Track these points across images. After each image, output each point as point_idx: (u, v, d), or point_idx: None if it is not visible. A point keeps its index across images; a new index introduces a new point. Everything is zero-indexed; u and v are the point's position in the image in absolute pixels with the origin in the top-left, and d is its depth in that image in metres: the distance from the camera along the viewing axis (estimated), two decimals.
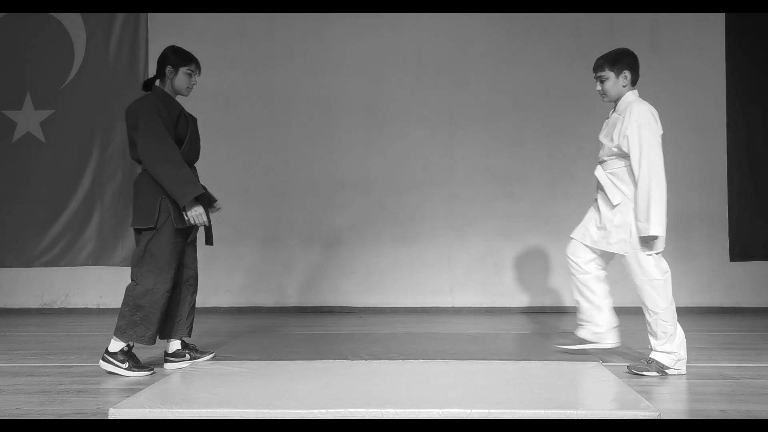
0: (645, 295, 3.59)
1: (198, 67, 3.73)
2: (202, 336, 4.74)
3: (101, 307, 6.28)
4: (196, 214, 3.51)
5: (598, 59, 3.68)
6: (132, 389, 3.19)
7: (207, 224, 3.64)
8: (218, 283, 6.15)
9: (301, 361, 3.75)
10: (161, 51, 3.75)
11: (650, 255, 3.51)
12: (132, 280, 3.57)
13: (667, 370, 3.48)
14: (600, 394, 3.05)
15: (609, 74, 3.64)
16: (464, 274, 6.17)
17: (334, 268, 6.19)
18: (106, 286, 6.28)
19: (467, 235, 6.17)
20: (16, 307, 6.28)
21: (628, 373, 3.50)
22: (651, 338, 3.57)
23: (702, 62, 6.08)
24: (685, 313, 5.87)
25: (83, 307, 6.30)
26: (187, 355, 3.73)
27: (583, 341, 3.71)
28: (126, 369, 3.51)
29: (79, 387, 3.28)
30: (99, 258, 6.28)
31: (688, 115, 6.07)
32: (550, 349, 4.06)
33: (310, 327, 4.78)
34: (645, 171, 3.43)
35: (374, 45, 6.19)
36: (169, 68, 3.66)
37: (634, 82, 3.68)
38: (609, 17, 6.02)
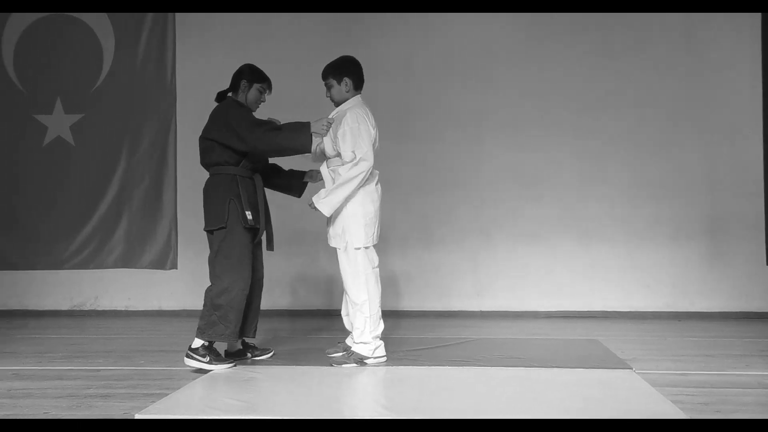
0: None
1: (270, 86, 3.97)
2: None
3: (129, 309, 6.32)
4: (321, 124, 3.67)
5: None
6: (159, 394, 3.19)
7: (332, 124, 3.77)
8: None
9: (326, 367, 3.72)
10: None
11: (358, 249, 3.76)
12: (210, 281, 3.74)
13: (366, 361, 3.75)
14: (632, 404, 2.96)
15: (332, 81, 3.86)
16: (491, 278, 6.09)
17: None
18: (134, 288, 6.33)
19: (494, 239, 6.09)
20: (47, 309, 6.35)
21: (332, 366, 3.71)
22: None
23: (737, 62, 5.93)
24: (719, 318, 5.78)
25: (112, 309, 6.34)
26: (248, 354, 3.94)
27: None
28: (208, 363, 3.64)
29: (106, 391, 3.29)
30: (127, 261, 6.33)
31: (723, 116, 5.93)
32: (581, 356, 3.98)
33: (336, 331, 4.75)
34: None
35: (401, 46, 6.14)
36: (243, 82, 3.88)
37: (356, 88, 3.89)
38: (641, 15, 5.90)
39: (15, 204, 6.36)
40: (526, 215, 6.05)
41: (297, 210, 5.99)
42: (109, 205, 6.33)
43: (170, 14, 6.27)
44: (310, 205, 3.77)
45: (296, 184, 4.15)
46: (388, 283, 6.12)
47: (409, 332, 5.04)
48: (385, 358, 3.83)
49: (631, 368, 3.63)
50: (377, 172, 3.89)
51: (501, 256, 6.07)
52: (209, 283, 3.75)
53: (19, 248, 6.35)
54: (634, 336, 4.90)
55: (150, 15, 6.29)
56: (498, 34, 6.09)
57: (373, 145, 3.80)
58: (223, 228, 3.70)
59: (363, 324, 3.77)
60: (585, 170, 6.03)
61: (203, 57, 6.16)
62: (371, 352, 3.78)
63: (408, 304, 6.10)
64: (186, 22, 6.28)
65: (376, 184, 3.88)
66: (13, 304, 6.36)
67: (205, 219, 3.80)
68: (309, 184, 4.16)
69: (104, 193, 6.32)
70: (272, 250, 4.01)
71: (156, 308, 6.29)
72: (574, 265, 6.00)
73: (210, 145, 3.79)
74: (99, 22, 6.34)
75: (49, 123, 6.37)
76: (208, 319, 3.68)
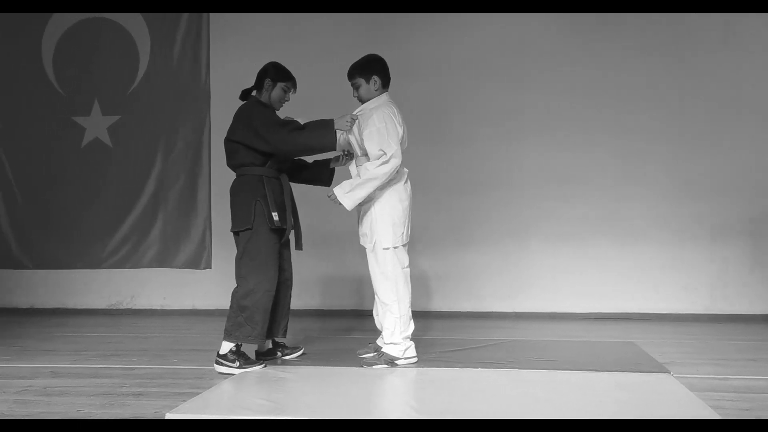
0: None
1: (294, 85, 3.95)
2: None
3: (165, 308, 6.40)
4: (345, 120, 3.68)
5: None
6: (190, 393, 3.21)
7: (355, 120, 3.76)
8: None
9: (356, 368, 3.70)
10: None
11: (387, 249, 3.73)
12: (236, 283, 3.75)
13: (397, 362, 3.71)
14: (670, 409, 2.88)
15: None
16: (525, 279, 6.01)
17: None
18: (169, 288, 6.40)
19: (528, 239, 6.01)
20: (85, 307, 6.46)
21: (362, 367, 3.70)
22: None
23: None
24: (761, 321, 5.61)
25: (148, 308, 6.43)
26: (278, 353, 3.97)
27: None
28: (237, 368, 3.63)
29: (140, 390, 3.32)
30: (162, 260, 6.40)
31: (764, 114, 5.75)
32: (616, 359, 3.90)
33: (366, 331, 4.73)
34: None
35: (433, 45, 6.10)
36: (268, 81, 3.86)
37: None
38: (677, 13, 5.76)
39: (54, 205, 6.49)
40: (560, 215, 5.95)
41: (327, 210, 6.01)
42: (145, 206, 6.41)
43: (204, 15, 6.33)
44: (329, 196, 3.74)
45: (323, 173, 4.13)
46: (420, 284, 6.09)
47: (440, 333, 5.00)
48: (415, 359, 3.80)
49: (669, 372, 3.54)
50: (406, 170, 3.86)
51: (535, 257, 5.99)
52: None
53: (58, 248, 6.47)
54: (672, 339, 4.79)
55: (185, 16, 6.36)
56: (531, 31, 6.01)
57: (402, 143, 3.77)
58: (249, 229, 3.70)
59: (393, 325, 3.74)
60: (621, 169, 5.91)
61: (237, 57, 6.19)
62: (402, 353, 3.75)
63: (439, 304, 6.06)
64: (220, 23, 6.33)
65: (405, 182, 3.84)
66: (53, 303, 6.50)
67: (232, 220, 3.81)
68: (336, 170, 4.14)
69: (140, 194, 6.41)
70: (301, 249, 4.01)
71: (190, 307, 6.35)
72: (609, 266, 5.88)
73: (235, 147, 3.79)
74: (135, 25, 6.43)
75: (87, 125, 6.49)
76: (234, 321, 3.68)
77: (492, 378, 3.46)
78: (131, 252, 6.43)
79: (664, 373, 3.52)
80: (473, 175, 6.06)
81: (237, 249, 3.80)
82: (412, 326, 3.82)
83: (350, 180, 3.76)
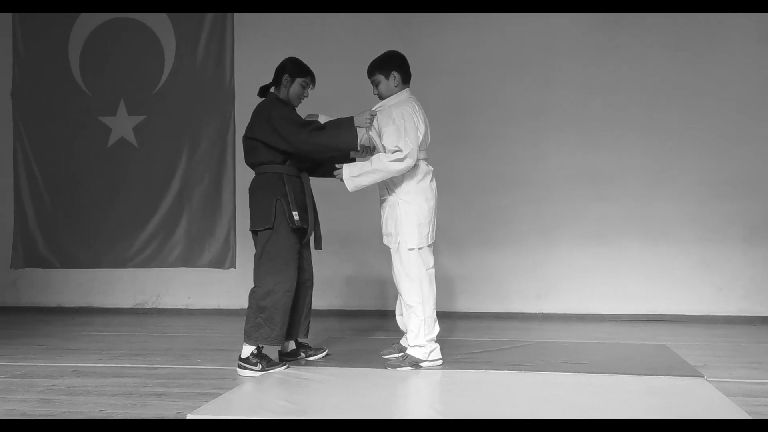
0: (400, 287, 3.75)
1: (313, 80, 3.90)
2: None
3: (190, 308, 6.41)
4: (365, 117, 3.61)
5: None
6: (212, 393, 3.19)
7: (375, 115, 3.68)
8: None
9: (380, 369, 3.64)
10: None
11: (411, 249, 3.64)
12: (254, 284, 3.70)
13: (422, 364, 3.64)
14: (706, 415, 2.77)
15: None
16: (553, 280, 5.90)
17: None
18: (194, 287, 6.40)
19: (556, 239, 5.90)
20: (111, 306, 6.50)
21: (386, 368, 3.64)
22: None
23: None
24: None
25: (173, 307, 6.44)
26: (302, 354, 3.90)
27: None
28: (260, 370, 3.58)
29: (162, 390, 3.31)
30: (187, 260, 6.41)
31: None
32: (648, 362, 3.79)
33: (391, 332, 4.67)
34: None
35: (457, 40, 6.02)
36: (286, 77, 3.81)
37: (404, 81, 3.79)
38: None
39: (80, 204, 6.53)
40: (589, 215, 5.83)
41: (350, 210, 5.99)
42: (170, 205, 6.42)
43: (229, 15, 6.33)
44: (336, 168, 3.68)
45: (343, 162, 4.00)
46: (445, 284, 6.00)
47: (466, 335, 4.92)
48: (440, 361, 3.73)
49: (703, 376, 3.42)
50: (432, 169, 3.79)
51: (563, 257, 5.88)
52: None
53: (84, 247, 6.51)
54: (705, 341, 4.66)
55: (209, 16, 6.36)
56: (558, 29, 5.89)
57: (424, 139, 3.69)
58: (269, 229, 3.64)
59: (417, 327, 3.67)
60: (652, 167, 5.77)
61: (261, 57, 6.13)
62: (426, 355, 3.68)
63: (465, 305, 5.97)
64: (244, 23, 6.31)
65: (431, 181, 3.77)
66: (79, 302, 6.54)
67: (251, 219, 3.75)
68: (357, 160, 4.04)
69: (165, 193, 6.42)
70: (320, 248, 3.94)
71: (215, 307, 6.35)
72: (640, 267, 5.75)
73: (254, 144, 3.73)
74: (160, 24, 6.45)
75: (113, 124, 6.52)
76: (253, 322, 3.63)
77: (519, 380, 3.38)
78: (156, 251, 6.44)
79: (698, 377, 3.41)
80: (499, 174, 5.96)
81: (255, 248, 3.74)
82: (437, 328, 3.75)
83: (361, 164, 3.66)
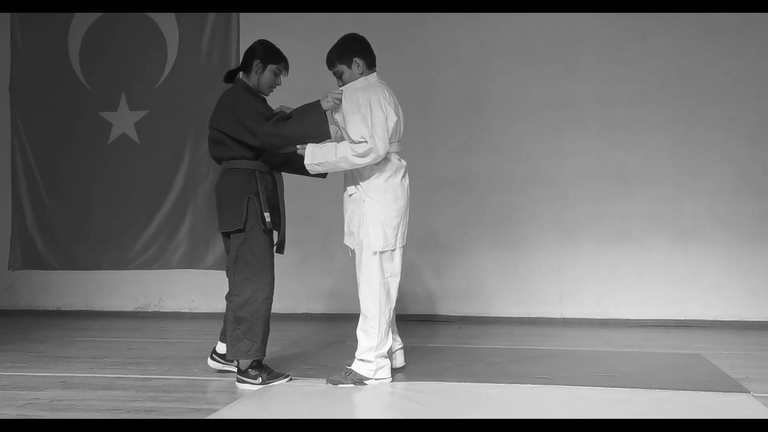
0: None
1: (286, 67, 3.55)
2: (289, 346, 4.45)
3: (193, 311, 6.15)
4: (328, 99, 3.29)
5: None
6: (206, 409, 2.91)
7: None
8: (309, 289, 5.90)
9: (395, 382, 3.34)
10: None
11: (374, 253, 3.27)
12: (230, 290, 3.40)
13: (366, 382, 3.26)
14: None
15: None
16: (575, 282, 5.58)
17: (431, 274, 5.76)
18: (197, 289, 6.14)
19: (578, 239, 5.58)
20: (112, 309, 6.25)
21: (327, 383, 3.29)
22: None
23: None
24: None
25: (176, 311, 6.18)
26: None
27: None
28: (260, 384, 3.28)
29: (152, 405, 3.04)
30: (191, 261, 6.15)
31: None
32: (684, 374, 3.47)
33: (403, 337, 4.38)
34: None
35: (474, 33, 5.71)
36: (256, 62, 3.47)
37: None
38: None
39: (80, 202, 6.28)
40: (614, 213, 5.51)
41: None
42: (174, 203, 6.17)
43: None
44: (299, 150, 3.32)
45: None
46: (460, 287, 5.72)
47: (482, 341, 4.61)
48: (389, 380, 3.33)
49: (749, 391, 3.09)
50: (404, 164, 3.40)
51: (586, 258, 5.55)
52: None
53: (84, 248, 6.25)
54: (741, 350, 4.33)
55: None
56: (580, 19, 5.56)
57: (395, 131, 3.31)
58: (240, 231, 3.32)
59: (366, 340, 3.28)
60: (681, 163, 5.44)
61: None
62: (373, 373, 3.28)
63: (481, 309, 5.65)
64: (249, 17, 6.03)
65: (403, 177, 3.37)
66: (79, 305, 6.29)
67: (220, 220, 3.42)
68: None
69: (168, 191, 6.16)
70: (281, 253, 3.55)
71: (219, 310, 5.97)
72: (669, 269, 5.41)
73: (220, 137, 3.38)
74: (163, 16, 6.19)
75: (114, 120, 6.27)
76: (231, 335, 3.31)
77: (542, 396, 3.07)
78: (159, 252, 6.18)
79: (743, 392, 3.08)
80: (517, 172, 5.65)
81: (227, 253, 3.43)
82: (389, 342, 3.35)
83: (325, 150, 3.28)
